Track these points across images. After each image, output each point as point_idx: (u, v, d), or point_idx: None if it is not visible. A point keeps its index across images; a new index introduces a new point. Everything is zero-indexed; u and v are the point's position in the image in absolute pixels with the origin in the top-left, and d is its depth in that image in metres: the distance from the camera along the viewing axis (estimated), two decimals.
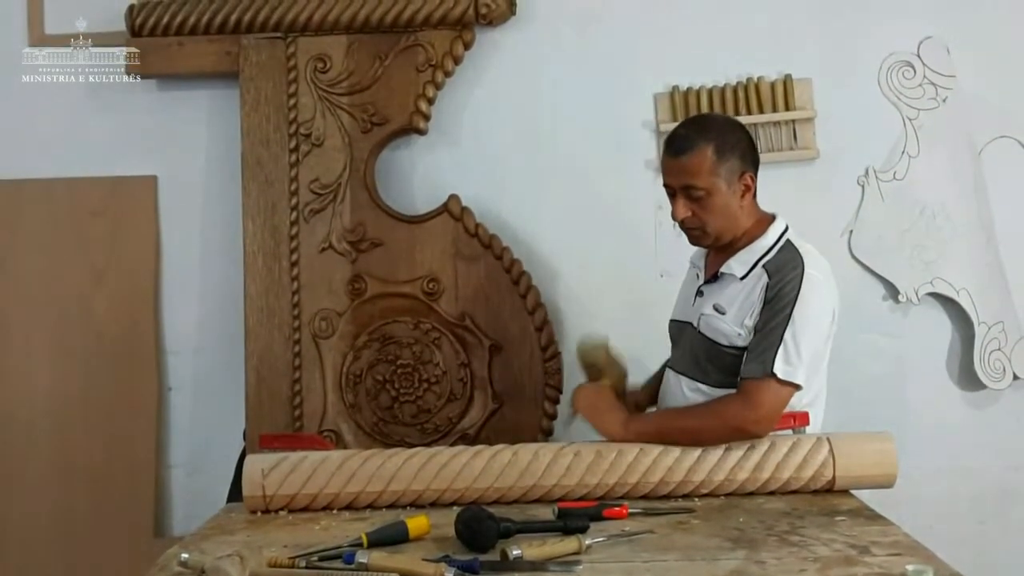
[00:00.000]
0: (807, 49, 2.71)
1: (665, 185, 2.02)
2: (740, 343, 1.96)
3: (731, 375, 1.97)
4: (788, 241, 2.00)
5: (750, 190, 2.00)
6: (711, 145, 1.94)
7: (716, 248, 2.05)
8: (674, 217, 2.00)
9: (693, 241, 2.05)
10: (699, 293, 2.07)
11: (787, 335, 1.89)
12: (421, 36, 2.66)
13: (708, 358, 2.02)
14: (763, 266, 1.97)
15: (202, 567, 1.47)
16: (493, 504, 1.84)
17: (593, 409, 2.02)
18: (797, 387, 1.90)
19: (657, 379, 2.24)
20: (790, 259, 1.95)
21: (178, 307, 2.81)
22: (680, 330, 2.13)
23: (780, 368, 1.88)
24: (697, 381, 2.04)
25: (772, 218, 2.04)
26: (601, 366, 2.14)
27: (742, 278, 1.98)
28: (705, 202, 1.96)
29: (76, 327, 2.77)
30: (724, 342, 1.98)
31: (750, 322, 1.94)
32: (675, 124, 2.67)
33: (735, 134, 2.00)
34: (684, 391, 2.06)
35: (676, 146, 1.97)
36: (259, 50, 2.68)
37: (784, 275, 1.93)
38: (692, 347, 2.05)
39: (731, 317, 1.98)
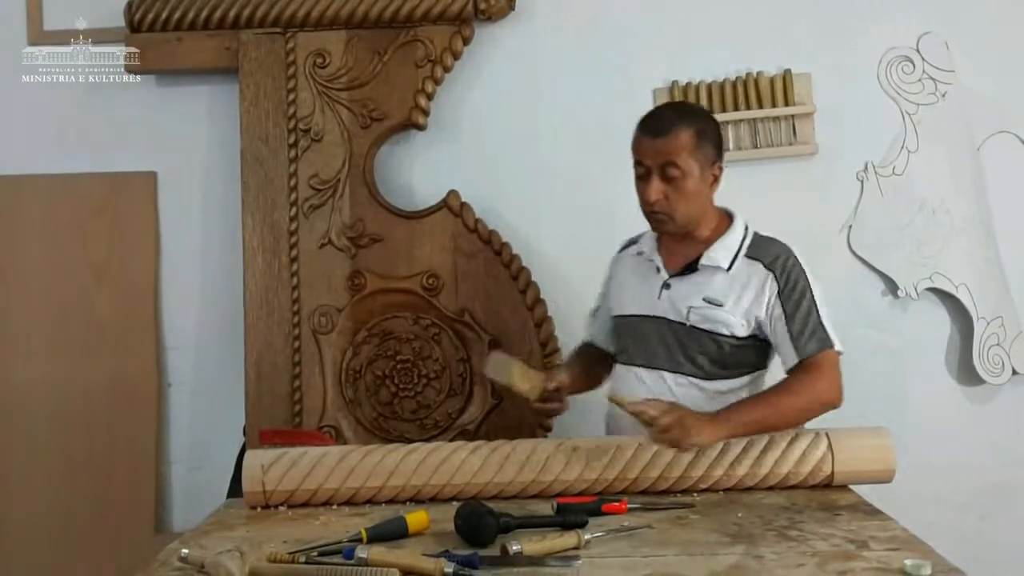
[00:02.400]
0: (806, 44, 2.71)
1: (637, 164, 2.01)
2: (741, 333, 2.00)
3: (726, 366, 2.02)
4: (756, 232, 2.07)
5: (718, 181, 2.03)
6: (692, 128, 1.98)
7: (675, 239, 2.07)
8: (647, 198, 1.99)
9: (657, 227, 2.06)
10: (665, 286, 2.07)
11: (821, 312, 1.98)
12: (420, 32, 2.66)
13: (701, 350, 2.02)
14: (747, 256, 2.02)
15: (202, 563, 1.48)
16: (492, 499, 1.84)
17: (682, 426, 1.84)
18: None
19: (580, 364, 2.26)
20: (776, 247, 2.04)
21: (178, 303, 2.82)
22: (645, 325, 2.08)
23: (836, 340, 1.99)
24: (685, 375, 2.04)
25: (729, 212, 2.10)
26: (514, 381, 2.07)
27: (728, 269, 2.01)
28: (679, 184, 1.97)
29: (76, 323, 2.77)
30: (725, 332, 2.00)
31: (761, 314, 1.99)
32: None
33: (711, 123, 2.06)
34: (670, 387, 2.05)
35: (657, 125, 1.99)
36: (258, 45, 2.68)
37: (786, 263, 2.00)
38: (675, 341, 2.05)
39: (730, 308, 2.00)
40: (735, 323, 2.00)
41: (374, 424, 2.64)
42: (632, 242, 2.22)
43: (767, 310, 1.99)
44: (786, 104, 2.69)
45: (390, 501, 1.89)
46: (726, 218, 2.08)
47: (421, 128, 2.70)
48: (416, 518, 1.66)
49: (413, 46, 2.67)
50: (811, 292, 1.99)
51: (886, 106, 2.72)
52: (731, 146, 2.71)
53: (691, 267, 2.04)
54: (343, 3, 2.65)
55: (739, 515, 1.73)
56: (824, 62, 2.71)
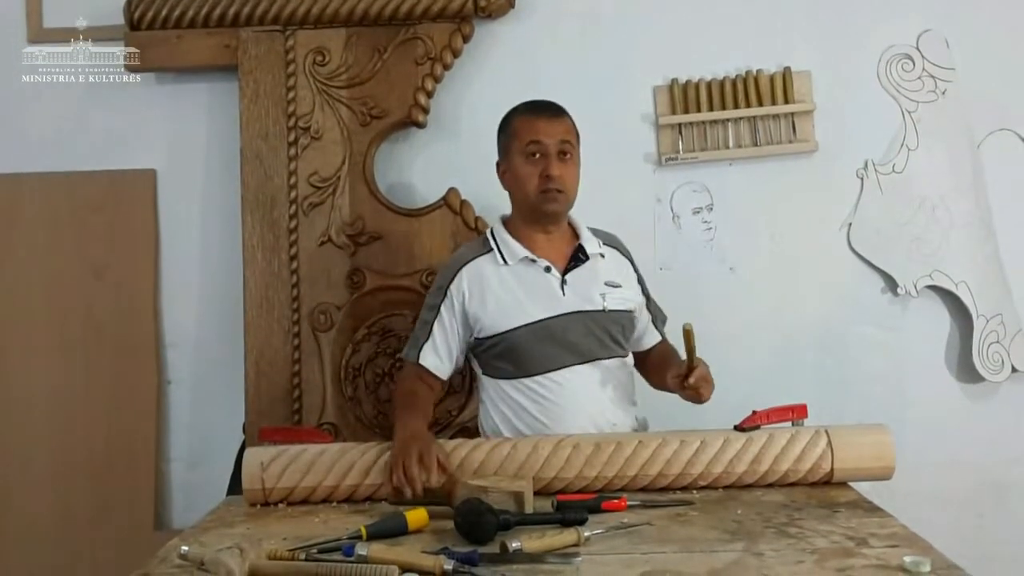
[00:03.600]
0: (806, 42, 2.71)
1: (533, 144, 2.10)
2: (637, 310, 2.20)
3: (630, 341, 2.20)
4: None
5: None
6: (571, 118, 2.17)
7: (543, 237, 2.14)
8: (551, 173, 2.07)
9: (551, 205, 2.11)
10: (564, 283, 2.10)
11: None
12: (420, 29, 2.66)
13: (621, 331, 2.14)
14: (605, 244, 2.21)
15: (202, 560, 1.48)
16: None
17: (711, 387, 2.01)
18: None
19: (427, 414, 2.12)
20: (612, 235, 2.27)
21: (177, 301, 2.81)
22: (564, 323, 2.07)
23: None
24: (617, 357, 2.13)
25: None
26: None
27: (603, 256, 2.18)
28: (570, 165, 2.12)
29: (76, 321, 2.77)
30: (634, 308, 2.18)
31: (639, 296, 2.22)
32: (674, 118, 2.70)
33: None
34: (611, 372, 2.11)
35: (552, 109, 2.15)
36: (258, 43, 2.68)
37: (629, 251, 2.27)
38: (600, 328, 2.11)
39: (627, 286, 2.19)
40: (636, 300, 2.19)
41: (374, 421, 2.64)
42: (478, 253, 2.15)
43: (640, 293, 2.23)
44: (786, 102, 2.69)
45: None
46: None
47: (421, 126, 2.70)
48: (416, 515, 1.67)
49: (413, 43, 2.67)
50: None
51: (886, 104, 2.72)
52: (731, 144, 2.71)
53: (577, 258, 2.13)
54: (343, 1, 2.64)
55: (739, 512, 1.74)
56: (824, 60, 2.71)
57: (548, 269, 2.10)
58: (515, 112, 2.18)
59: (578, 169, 2.15)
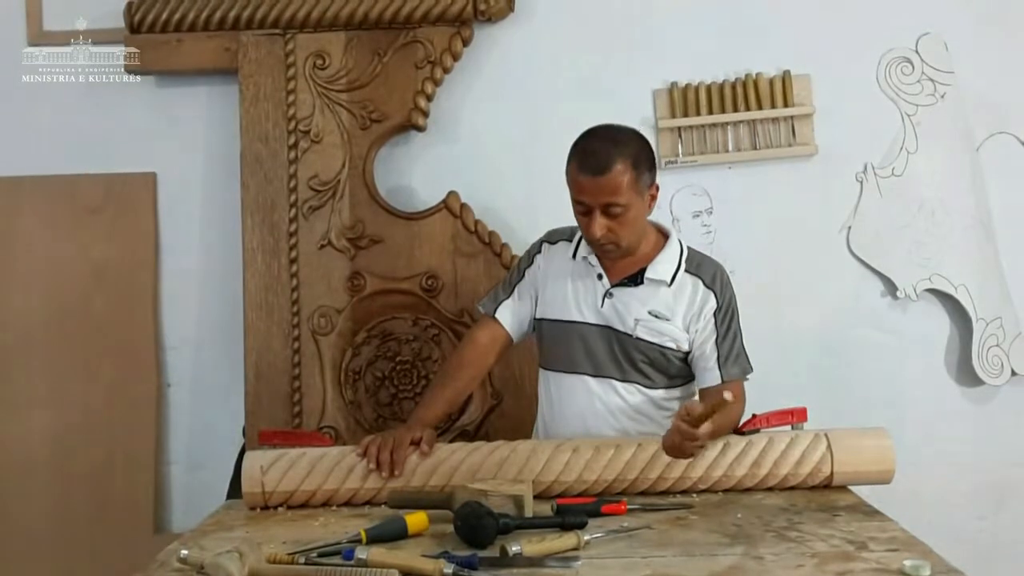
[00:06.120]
0: (806, 45, 2.71)
1: (577, 202, 1.96)
2: (685, 348, 2.04)
3: (669, 376, 2.06)
4: (688, 246, 2.10)
5: (655, 200, 2.02)
6: (629, 161, 1.93)
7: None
8: (592, 235, 1.95)
9: (605, 256, 2.03)
10: (608, 295, 2.05)
11: (742, 339, 2.06)
12: (420, 33, 2.66)
13: (650, 362, 2.04)
14: (687, 272, 2.05)
15: (201, 563, 1.48)
16: None
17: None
18: None
19: (444, 402, 2.13)
20: (711, 264, 2.09)
21: (177, 304, 2.82)
22: (593, 333, 2.06)
23: (750, 367, 2.06)
24: (633, 383, 2.05)
25: (664, 228, 2.11)
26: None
27: (671, 283, 2.03)
28: (622, 217, 1.94)
29: (75, 324, 2.77)
30: (672, 346, 2.03)
31: (696, 331, 2.02)
32: (673, 122, 2.70)
33: (643, 145, 2.00)
34: (621, 395, 2.05)
35: (595, 164, 1.91)
36: (258, 46, 2.68)
37: (724, 284, 2.05)
38: (622, 351, 2.04)
39: (678, 323, 2.03)
40: (681, 337, 2.03)
41: (374, 425, 2.64)
42: (564, 238, 2.16)
43: (703, 325, 2.02)
44: (785, 105, 2.69)
45: None
46: (662, 235, 2.09)
47: (421, 129, 2.70)
48: (415, 519, 1.67)
49: (412, 47, 2.67)
50: (738, 315, 2.07)
51: (885, 107, 2.72)
52: (730, 147, 2.71)
53: (634, 279, 2.04)
54: (343, 4, 2.65)
55: (738, 516, 1.74)
56: (823, 63, 2.71)
57: (600, 277, 2.07)
58: (573, 151, 1.98)
59: (635, 212, 1.95)
